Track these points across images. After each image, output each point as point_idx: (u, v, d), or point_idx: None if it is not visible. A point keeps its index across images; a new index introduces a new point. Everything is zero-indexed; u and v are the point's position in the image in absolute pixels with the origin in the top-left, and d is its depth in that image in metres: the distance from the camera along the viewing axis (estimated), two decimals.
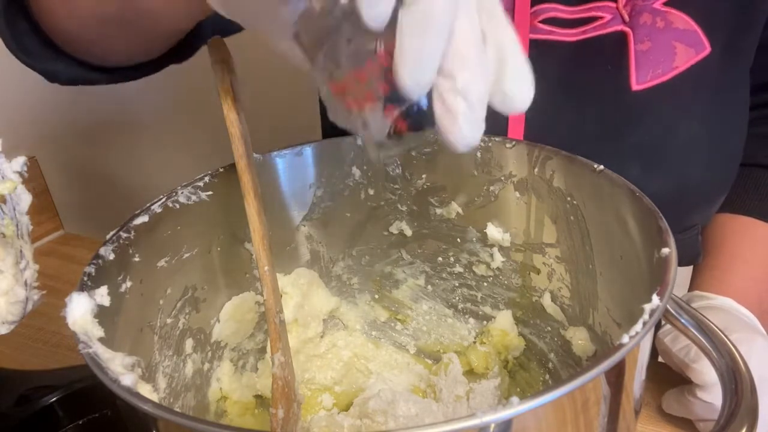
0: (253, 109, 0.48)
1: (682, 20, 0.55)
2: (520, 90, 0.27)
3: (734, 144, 0.61)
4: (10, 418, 0.49)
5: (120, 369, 0.31)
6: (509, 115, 0.56)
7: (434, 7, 0.24)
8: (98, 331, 0.34)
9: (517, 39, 0.27)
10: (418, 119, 0.28)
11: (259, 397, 0.52)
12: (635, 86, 0.55)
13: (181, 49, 0.51)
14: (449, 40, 0.25)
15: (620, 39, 0.56)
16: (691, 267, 0.69)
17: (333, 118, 0.30)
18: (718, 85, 0.57)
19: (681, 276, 0.52)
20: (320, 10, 0.27)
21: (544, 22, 0.57)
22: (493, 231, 0.51)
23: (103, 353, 0.32)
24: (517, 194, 0.49)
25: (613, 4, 0.56)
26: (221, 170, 0.47)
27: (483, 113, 0.26)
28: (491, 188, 0.50)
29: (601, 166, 0.42)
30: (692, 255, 0.66)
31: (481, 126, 0.27)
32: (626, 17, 0.55)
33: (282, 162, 0.51)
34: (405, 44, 0.25)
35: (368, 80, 0.27)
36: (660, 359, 0.55)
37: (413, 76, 0.25)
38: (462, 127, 0.26)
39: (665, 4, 0.55)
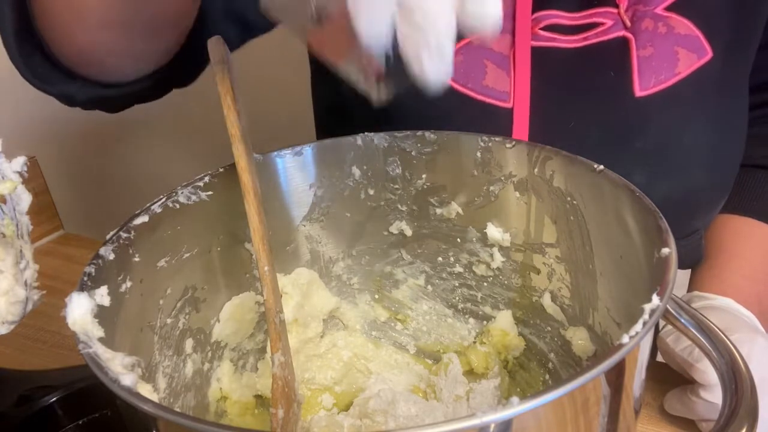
0: (253, 109, 0.48)
1: (684, 25, 0.55)
2: (484, 8, 0.27)
3: (736, 147, 0.61)
4: (10, 418, 0.49)
5: (120, 369, 0.31)
6: (513, 121, 0.56)
7: None
8: (98, 331, 0.34)
9: None
10: (391, 61, 0.28)
11: (259, 397, 0.52)
12: (639, 93, 0.55)
13: (186, 67, 0.52)
14: None
15: (622, 45, 0.55)
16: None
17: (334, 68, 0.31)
18: (720, 90, 0.57)
19: (681, 276, 0.52)
20: None
21: (545, 29, 0.56)
22: (493, 231, 0.51)
23: (103, 353, 0.32)
24: (517, 194, 0.49)
25: (614, 10, 0.56)
26: (221, 170, 0.47)
27: (449, 47, 0.26)
28: (491, 188, 0.50)
29: (601, 166, 0.42)
30: (695, 259, 0.66)
31: (448, 59, 0.26)
32: (628, 23, 0.55)
33: (282, 162, 0.51)
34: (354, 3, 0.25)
35: (336, 36, 0.28)
36: (660, 359, 0.55)
37: (369, 31, 0.26)
38: (426, 63, 0.26)
39: (667, 9, 0.55)
